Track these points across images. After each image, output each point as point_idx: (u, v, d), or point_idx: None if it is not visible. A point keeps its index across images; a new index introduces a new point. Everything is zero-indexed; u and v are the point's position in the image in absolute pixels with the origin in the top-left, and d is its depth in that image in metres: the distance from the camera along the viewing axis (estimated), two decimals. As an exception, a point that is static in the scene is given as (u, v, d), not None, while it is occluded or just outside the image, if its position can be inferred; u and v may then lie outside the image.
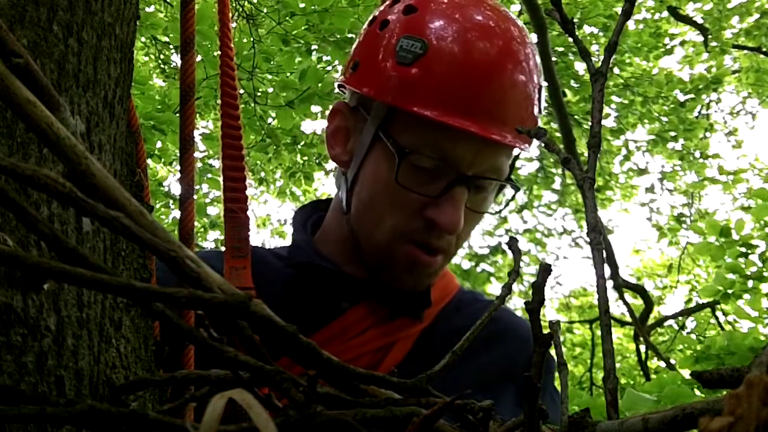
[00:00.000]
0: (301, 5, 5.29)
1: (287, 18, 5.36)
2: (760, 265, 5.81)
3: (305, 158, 8.49)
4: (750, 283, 5.83)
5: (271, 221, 12.22)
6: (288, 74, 5.44)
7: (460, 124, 1.06)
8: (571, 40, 0.73)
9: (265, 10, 5.91)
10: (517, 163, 10.40)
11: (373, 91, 1.14)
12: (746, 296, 5.87)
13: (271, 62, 5.53)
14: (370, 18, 1.24)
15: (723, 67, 9.27)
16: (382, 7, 1.22)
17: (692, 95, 9.51)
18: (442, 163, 1.09)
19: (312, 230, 1.31)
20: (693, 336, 8.89)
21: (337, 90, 1.33)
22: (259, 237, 11.81)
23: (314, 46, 5.72)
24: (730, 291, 5.83)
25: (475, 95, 1.08)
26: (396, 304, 1.21)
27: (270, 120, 6.53)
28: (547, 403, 1.17)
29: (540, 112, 1.18)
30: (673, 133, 9.71)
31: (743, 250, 5.80)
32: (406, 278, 1.16)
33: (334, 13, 5.00)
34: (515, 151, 1.22)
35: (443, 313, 1.24)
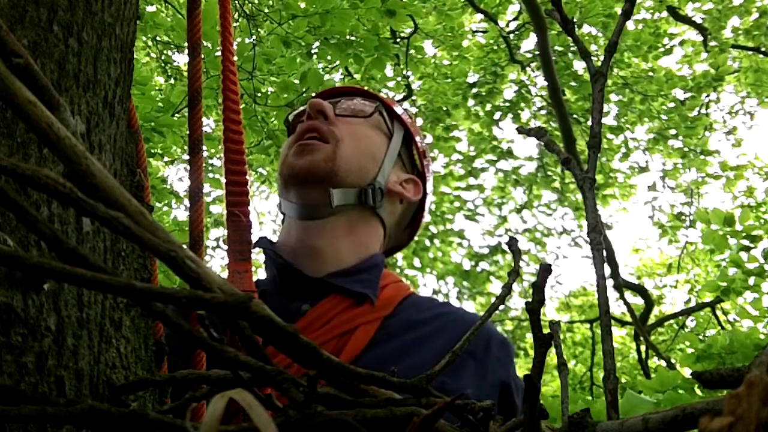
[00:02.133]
0: (302, 5, 5.28)
1: (288, 19, 5.35)
2: (762, 261, 5.81)
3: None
4: (751, 280, 5.84)
5: (274, 217, 12.21)
6: (289, 75, 5.43)
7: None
8: (571, 39, 0.73)
9: (266, 10, 5.90)
10: (517, 163, 10.41)
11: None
12: (747, 293, 5.89)
13: (272, 63, 5.52)
14: None
15: (726, 64, 9.25)
16: None
17: (693, 93, 9.51)
18: (308, 111, 1.46)
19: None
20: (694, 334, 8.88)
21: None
22: (262, 233, 11.80)
23: (315, 48, 5.71)
24: (731, 288, 5.85)
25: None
26: (352, 292, 1.32)
27: (272, 120, 6.52)
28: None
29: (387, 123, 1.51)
30: (673, 131, 9.71)
31: (746, 243, 5.81)
32: (297, 161, 1.38)
33: (336, 15, 4.99)
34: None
35: (401, 306, 1.36)
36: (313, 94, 1.58)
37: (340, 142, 1.39)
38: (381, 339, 1.27)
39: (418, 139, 1.55)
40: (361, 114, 1.47)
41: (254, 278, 1.46)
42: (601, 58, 0.73)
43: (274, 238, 1.47)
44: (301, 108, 1.53)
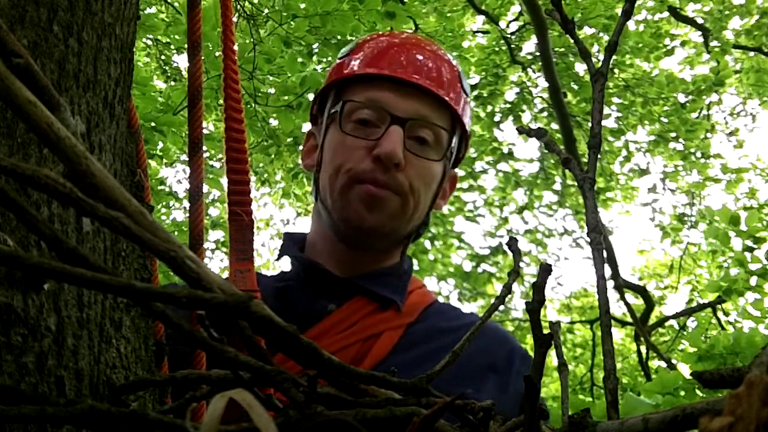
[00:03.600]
0: (302, 5, 5.29)
1: (289, 20, 5.36)
2: (766, 262, 5.82)
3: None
4: (753, 281, 5.85)
5: (275, 222, 12.19)
6: (289, 75, 5.44)
7: (375, 70, 1.34)
8: (571, 41, 0.73)
9: (266, 11, 5.91)
10: (518, 165, 10.40)
11: (324, 85, 1.43)
12: (749, 294, 5.90)
13: (272, 63, 5.52)
14: None
15: (727, 68, 9.23)
16: None
17: (693, 96, 9.50)
18: (373, 107, 1.32)
19: (300, 249, 1.44)
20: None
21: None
22: (260, 238, 11.80)
23: (315, 48, 5.71)
24: (733, 288, 5.86)
25: (390, 55, 1.37)
26: (379, 296, 1.31)
27: (271, 121, 6.52)
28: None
29: (461, 118, 1.39)
30: (673, 134, 9.70)
31: (750, 243, 5.82)
32: (367, 216, 1.29)
33: (336, 17, 4.99)
34: (444, 124, 1.37)
35: (426, 313, 1.35)
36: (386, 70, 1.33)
37: (407, 193, 1.31)
38: (404, 346, 1.27)
39: (468, 132, 1.45)
40: (433, 157, 1.34)
41: (276, 271, 1.47)
42: (602, 59, 0.73)
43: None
44: (361, 99, 1.33)
